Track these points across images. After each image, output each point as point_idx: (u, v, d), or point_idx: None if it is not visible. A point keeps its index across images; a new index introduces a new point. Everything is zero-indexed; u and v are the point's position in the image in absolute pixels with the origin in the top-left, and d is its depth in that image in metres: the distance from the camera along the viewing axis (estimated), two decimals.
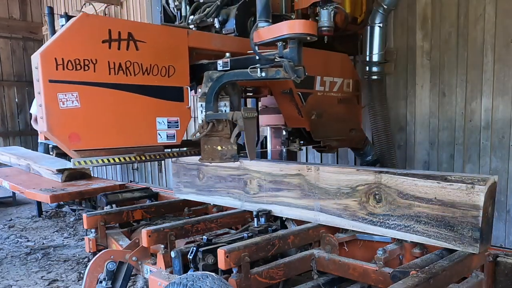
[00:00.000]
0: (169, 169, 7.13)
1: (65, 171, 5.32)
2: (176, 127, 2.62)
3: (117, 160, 2.49)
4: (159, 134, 2.56)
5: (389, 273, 2.10)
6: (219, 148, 2.55)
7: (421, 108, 4.34)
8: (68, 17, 2.72)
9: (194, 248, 2.37)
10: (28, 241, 5.70)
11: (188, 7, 3.15)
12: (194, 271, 2.32)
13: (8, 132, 10.69)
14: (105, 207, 3.87)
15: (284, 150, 3.65)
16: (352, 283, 2.45)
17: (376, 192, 2.41)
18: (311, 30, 2.23)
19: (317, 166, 2.74)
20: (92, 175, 5.74)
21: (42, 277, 4.37)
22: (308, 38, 2.26)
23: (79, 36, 2.25)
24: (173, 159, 3.62)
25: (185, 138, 2.82)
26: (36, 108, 2.30)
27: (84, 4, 8.47)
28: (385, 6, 4.17)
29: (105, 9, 8.43)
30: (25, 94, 10.84)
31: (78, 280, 4.19)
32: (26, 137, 10.76)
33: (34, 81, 2.24)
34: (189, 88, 2.65)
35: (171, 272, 2.59)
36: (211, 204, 3.65)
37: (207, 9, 3.02)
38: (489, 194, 2.06)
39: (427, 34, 4.21)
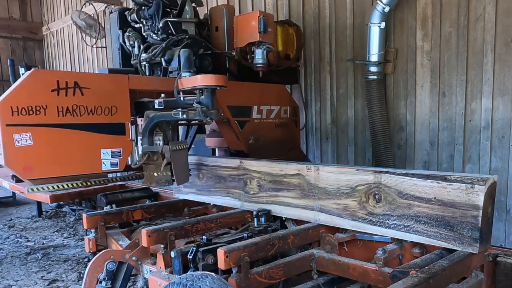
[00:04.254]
0: None
1: None
2: (119, 157, 3.12)
3: (65, 186, 3.02)
4: (103, 163, 3.05)
5: (388, 273, 2.10)
6: (155, 174, 3.10)
7: (421, 108, 4.34)
8: (27, 67, 3.16)
9: (194, 248, 2.36)
10: (28, 241, 5.70)
11: (141, 46, 3.66)
12: (194, 271, 2.32)
13: None
14: (105, 207, 3.87)
15: None
16: (352, 283, 2.45)
17: (376, 192, 2.41)
18: (220, 82, 2.83)
19: (317, 166, 2.74)
20: None
21: (42, 277, 4.37)
22: (218, 88, 2.84)
23: (31, 88, 2.75)
24: None
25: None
26: None
27: (84, 4, 8.46)
28: (384, 6, 4.18)
29: (105, 9, 8.42)
30: None
31: (78, 280, 4.19)
32: None
33: None
34: (130, 124, 3.16)
35: (171, 272, 2.59)
36: (211, 204, 3.65)
37: (155, 50, 3.52)
38: (488, 194, 2.07)
39: (427, 34, 4.21)
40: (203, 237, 2.55)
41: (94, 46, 8.65)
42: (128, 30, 3.77)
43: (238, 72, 4.01)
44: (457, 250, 2.13)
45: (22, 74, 3.05)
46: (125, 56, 3.88)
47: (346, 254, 2.59)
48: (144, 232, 2.68)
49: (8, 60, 4.04)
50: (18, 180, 3.55)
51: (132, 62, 3.76)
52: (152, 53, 3.52)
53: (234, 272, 2.19)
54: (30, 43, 11.03)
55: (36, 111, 2.74)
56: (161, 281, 2.50)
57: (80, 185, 3.04)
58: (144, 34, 3.72)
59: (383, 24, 4.25)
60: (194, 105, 2.83)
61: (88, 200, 4.95)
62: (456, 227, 2.11)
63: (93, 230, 3.25)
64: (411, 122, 4.43)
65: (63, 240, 5.68)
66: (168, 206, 3.79)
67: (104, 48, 8.67)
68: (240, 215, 3.23)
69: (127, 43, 3.79)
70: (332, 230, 2.69)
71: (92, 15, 8.47)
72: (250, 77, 3.98)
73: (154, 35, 3.61)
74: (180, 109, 2.86)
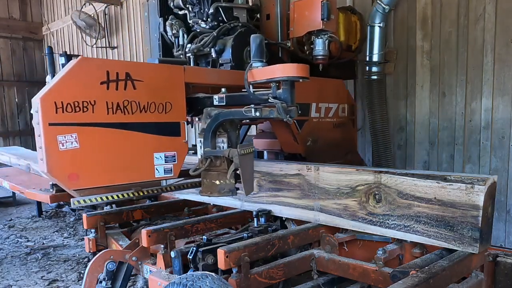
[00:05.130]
0: None
1: None
2: (173, 161, 2.69)
3: (115, 197, 2.61)
4: (156, 169, 2.63)
5: (389, 273, 2.10)
6: (217, 182, 2.63)
7: (421, 108, 4.34)
8: (67, 56, 2.78)
9: (194, 248, 2.36)
10: (28, 241, 5.70)
11: (185, 36, 3.25)
12: (194, 271, 2.32)
13: (8, 132, 10.69)
14: (105, 207, 3.87)
15: None
16: (352, 283, 2.45)
17: (376, 192, 2.41)
18: (303, 73, 2.33)
19: (317, 166, 2.74)
20: None
21: (42, 277, 4.37)
22: (300, 80, 2.35)
23: (78, 79, 2.31)
24: None
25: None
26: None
27: (84, 4, 8.47)
28: (385, 6, 4.18)
29: (105, 9, 8.43)
30: (25, 94, 10.85)
31: (78, 280, 4.19)
32: (26, 137, 10.77)
33: (34, 124, 2.29)
34: (185, 123, 2.73)
35: (171, 272, 2.59)
36: (211, 204, 3.65)
37: (204, 39, 3.13)
38: (488, 194, 2.07)
39: (427, 34, 4.21)
40: (203, 237, 2.55)
41: (94, 46, 8.66)
42: (170, 17, 3.36)
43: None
44: (457, 250, 2.13)
45: (62, 64, 2.75)
46: (164, 47, 3.46)
47: (346, 254, 2.59)
48: (144, 232, 2.68)
49: (47, 48, 3.53)
50: (60, 190, 3.10)
51: (175, 53, 3.36)
52: (201, 42, 3.13)
53: (234, 272, 2.19)
54: (30, 43, 11.03)
55: (83, 107, 2.32)
56: (161, 281, 2.50)
57: (132, 195, 2.67)
58: (190, 21, 3.31)
59: (383, 24, 4.25)
60: (270, 100, 2.38)
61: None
62: (456, 227, 2.11)
63: (93, 230, 3.25)
64: (411, 122, 4.42)
65: (63, 240, 5.68)
66: (168, 206, 3.79)
67: (104, 48, 8.68)
68: (240, 215, 3.23)
69: (169, 32, 3.36)
70: (332, 230, 2.69)
71: (92, 15, 8.47)
72: None
73: (202, 22, 3.22)
74: (252, 106, 2.40)
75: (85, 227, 3.27)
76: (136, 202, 4.05)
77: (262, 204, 3.05)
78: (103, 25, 8.55)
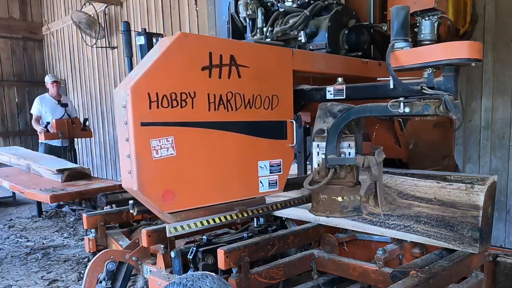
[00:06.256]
0: None
1: (65, 171, 5.32)
2: (279, 171, 2.18)
3: (217, 221, 2.07)
4: (260, 182, 2.14)
5: (389, 273, 2.10)
6: (339, 199, 2.11)
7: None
8: (147, 34, 2.36)
9: (194, 248, 2.36)
10: (28, 241, 5.70)
11: (263, 17, 2.77)
12: (194, 271, 2.32)
13: (8, 132, 10.69)
14: (105, 207, 3.87)
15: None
16: (352, 283, 2.45)
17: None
18: (477, 53, 1.75)
19: None
20: (92, 175, 5.75)
21: (42, 277, 4.37)
22: (473, 64, 1.79)
23: (176, 63, 1.78)
24: None
25: None
26: (122, 160, 1.84)
27: (84, 4, 8.47)
28: None
29: (105, 9, 8.43)
30: (25, 94, 10.85)
31: (78, 280, 4.19)
32: (26, 137, 10.77)
33: (119, 124, 1.78)
34: (293, 122, 2.21)
35: (171, 272, 2.58)
36: None
37: (292, 20, 2.66)
38: (488, 194, 2.07)
39: None
40: (203, 237, 2.55)
41: (94, 46, 8.66)
42: None
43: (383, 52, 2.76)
44: (457, 250, 2.13)
45: (140, 45, 2.35)
46: (235, 32, 2.98)
47: (346, 254, 2.59)
48: (144, 232, 2.68)
49: (123, 23, 2.85)
50: (145, 210, 2.37)
51: (249, 38, 2.87)
52: (289, 24, 2.64)
53: (234, 272, 2.19)
54: (30, 43, 11.03)
55: (181, 101, 1.78)
56: (161, 281, 2.50)
57: (236, 217, 2.12)
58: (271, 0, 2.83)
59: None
60: (425, 91, 1.84)
61: (88, 200, 4.95)
62: (456, 227, 2.11)
63: (93, 230, 3.25)
64: None
65: (63, 240, 5.68)
66: None
67: (104, 48, 8.68)
68: None
69: (243, 14, 2.87)
70: (332, 230, 2.69)
71: (92, 15, 8.48)
72: None
73: (287, 0, 2.76)
74: (402, 100, 1.88)
75: (85, 227, 3.27)
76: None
77: None
78: (103, 25, 8.54)
